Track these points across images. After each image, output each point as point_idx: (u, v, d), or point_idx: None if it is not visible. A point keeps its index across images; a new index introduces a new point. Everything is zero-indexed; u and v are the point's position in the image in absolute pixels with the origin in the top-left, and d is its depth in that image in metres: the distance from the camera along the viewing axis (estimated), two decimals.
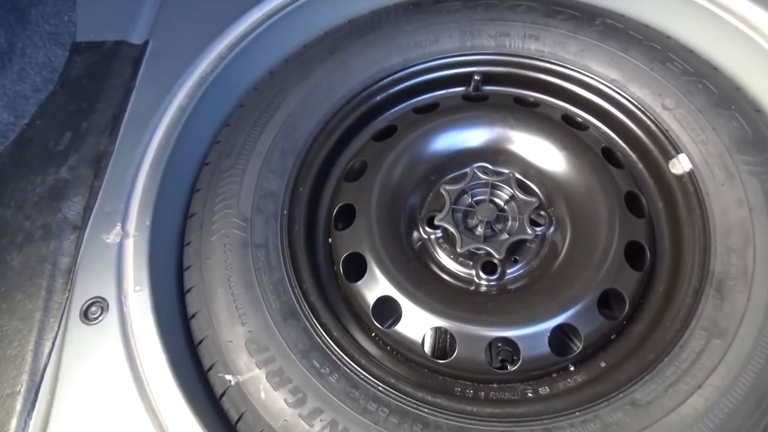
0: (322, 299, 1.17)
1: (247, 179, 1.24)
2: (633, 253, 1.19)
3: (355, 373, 1.07)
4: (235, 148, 1.28)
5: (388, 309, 1.18)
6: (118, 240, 1.15)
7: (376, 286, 1.17)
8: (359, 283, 1.19)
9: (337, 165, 1.38)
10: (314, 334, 1.10)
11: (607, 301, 1.17)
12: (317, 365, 1.06)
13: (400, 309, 1.14)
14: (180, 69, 1.36)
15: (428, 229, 1.30)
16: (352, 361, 1.08)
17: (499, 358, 1.20)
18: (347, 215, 1.27)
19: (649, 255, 1.20)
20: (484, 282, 1.24)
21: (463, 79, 1.45)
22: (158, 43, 1.41)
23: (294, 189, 1.27)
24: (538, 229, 1.28)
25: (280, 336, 1.09)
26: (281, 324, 1.10)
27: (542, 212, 1.30)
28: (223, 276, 1.14)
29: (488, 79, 1.44)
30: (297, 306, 1.13)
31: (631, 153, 1.35)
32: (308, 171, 1.31)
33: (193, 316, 1.14)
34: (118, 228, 1.16)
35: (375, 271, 1.18)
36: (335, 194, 1.32)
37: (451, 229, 1.24)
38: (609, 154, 1.30)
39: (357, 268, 1.21)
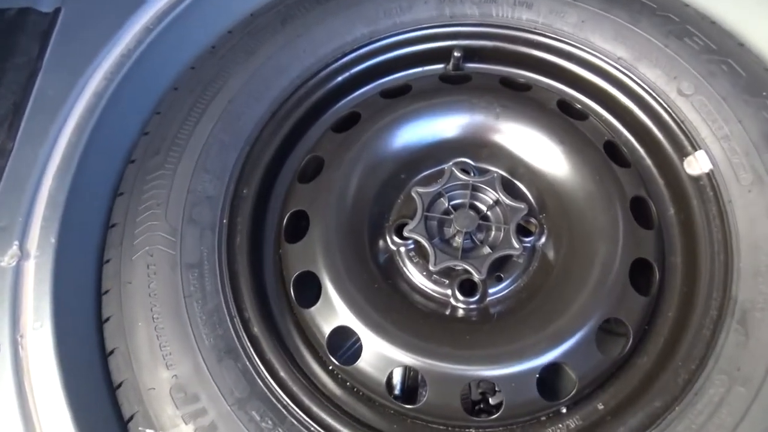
0: (268, 329, 0.98)
1: (178, 181, 1.03)
2: (639, 273, 1.00)
3: (305, 426, 0.89)
4: (165, 142, 1.06)
5: (347, 340, 1.00)
6: (15, 263, 0.94)
7: (331, 314, 0.98)
8: (312, 309, 0.99)
9: (289, 162, 1.16)
10: (255, 376, 0.91)
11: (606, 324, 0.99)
12: (257, 418, 0.88)
13: (361, 342, 0.95)
14: (98, 44, 1.12)
15: (397, 240, 1.09)
16: (300, 410, 0.90)
17: (479, 392, 1.03)
18: (301, 224, 1.06)
19: (657, 275, 1.01)
20: (461, 305, 1.05)
21: (441, 56, 1.22)
22: (72, 12, 1.16)
23: (236, 193, 1.05)
24: (526, 239, 1.08)
25: (212, 381, 0.90)
26: (215, 365, 0.91)
27: (532, 219, 1.10)
28: (145, 305, 0.94)
29: (471, 55, 1.21)
30: (235, 341, 0.94)
31: (639, 147, 1.14)
32: (254, 170, 1.09)
33: (111, 353, 0.95)
34: (15, 248, 0.95)
35: (330, 295, 0.98)
36: (287, 198, 1.11)
37: (424, 242, 1.03)
38: (613, 150, 1.09)
39: (313, 288, 1.01)
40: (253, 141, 1.09)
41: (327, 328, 0.98)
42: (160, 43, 1.16)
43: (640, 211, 1.04)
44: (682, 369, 0.91)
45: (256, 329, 0.97)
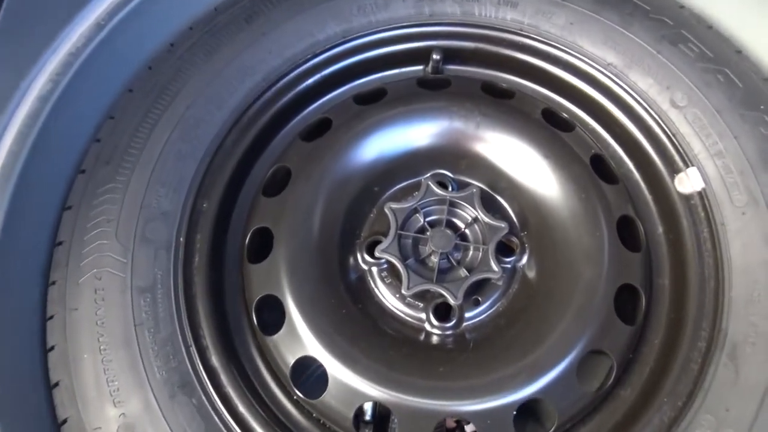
0: (228, 359, 0.91)
1: (131, 195, 0.94)
2: (624, 298, 0.94)
3: None
4: (117, 151, 0.98)
5: (313, 368, 0.93)
6: None
7: (295, 343, 0.91)
8: (276, 337, 0.93)
9: (253, 173, 1.07)
10: (211, 412, 0.85)
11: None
12: None
13: (326, 374, 0.89)
14: (43, 41, 1.02)
15: (368, 259, 1.02)
16: None
17: (454, 420, 0.97)
18: (265, 243, 0.98)
19: (644, 302, 0.95)
20: (436, 330, 0.98)
21: (419, 57, 1.13)
22: (14, 5, 1.05)
23: (194, 207, 0.97)
24: (506, 260, 1.01)
25: (164, 420, 0.83)
26: (167, 402, 0.84)
27: (513, 237, 1.03)
28: (91, 334, 0.87)
29: (451, 56, 1.12)
30: (191, 373, 0.87)
31: (627, 161, 1.07)
32: (214, 182, 1.01)
33: (55, 385, 0.87)
34: None
35: (294, 323, 0.91)
36: (250, 214, 1.03)
37: (396, 264, 0.96)
38: (600, 165, 1.02)
39: (278, 313, 0.94)
40: (213, 150, 1.01)
41: (291, 358, 0.91)
42: (113, 41, 1.06)
43: (627, 231, 0.98)
44: (668, 406, 0.86)
45: (214, 359, 0.90)
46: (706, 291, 0.92)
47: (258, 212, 1.01)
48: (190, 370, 0.87)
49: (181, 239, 0.95)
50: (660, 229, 1.02)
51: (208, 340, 0.91)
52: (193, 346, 0.89)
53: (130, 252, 0.91)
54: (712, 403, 0.83)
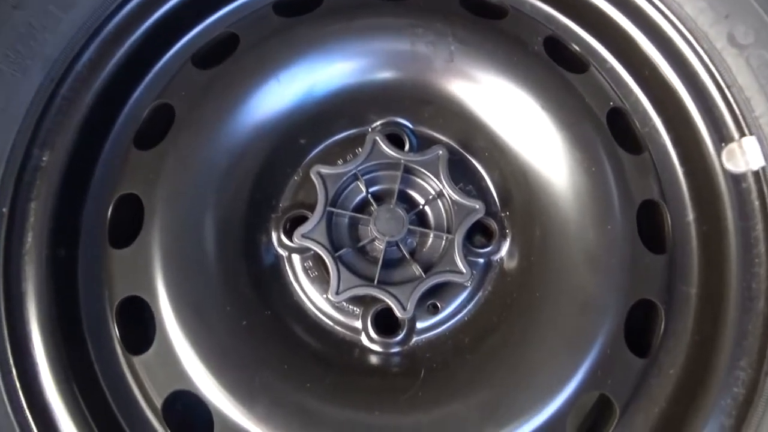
0: (73, 392, 0.63)
1: None
2: (637, 319, 0.67)
3: None
4: None
5: (195, 405, 0.66)
6: None
7: (169, 370, 0.63)
8: (143, 357, 0.65)
9: (126, 114, 0.74)
10: None
11: None
12: None
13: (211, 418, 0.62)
14: None
15: (287, 242, 0.73)
16: None
17: None
18: (134, 217, 0.68)
19: (664, 324, 0.69)
20: (376, 346, 0.71)
21: None
22: None
23: (26, 161, 0.66)
24: (479, 250, 0.73)
25: None
26: None
27: (490, 219, 0.74)
28: None
29: None
30: (9, 415, 0.59)
31: (656, 119, 0.76)
32: (61, 124, 0.68)
33: None
34: None
35: (168, 340, 0.63)
36: (118, 174, 0.71)
37: (323, 255, 0.68)
38: (620, 123, 0.72)
39: (148, 322, 0.66)
40: (59, 75, 0.68)
41: (162, 390, 0.64)
42: None
43: (649, 222, 0.70)
44: None
45: (47, 393, 0.62)
46: (751, 313, 0.66)
47: (127, 172, 0.70)
48: (9, 411, 0.59)
49: (3, 209, 0.64)
50: (690, 216, 0.74)
51: (44, 365, 0.62)
52: (15, 373, 0.60)
53: None
54: None
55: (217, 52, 0.73)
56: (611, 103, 0.73)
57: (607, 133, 0.70)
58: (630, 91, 0.78)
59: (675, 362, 0.70)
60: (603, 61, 0.78)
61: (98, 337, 0.68)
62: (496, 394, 0.64)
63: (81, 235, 0.70)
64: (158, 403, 0.64)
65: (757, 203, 0.68)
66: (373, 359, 0.71)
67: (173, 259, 0.65)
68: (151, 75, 0.75)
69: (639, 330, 0.68)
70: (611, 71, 0.78)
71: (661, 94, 0.75)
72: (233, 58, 0.72)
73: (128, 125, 0.73)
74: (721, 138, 0.70)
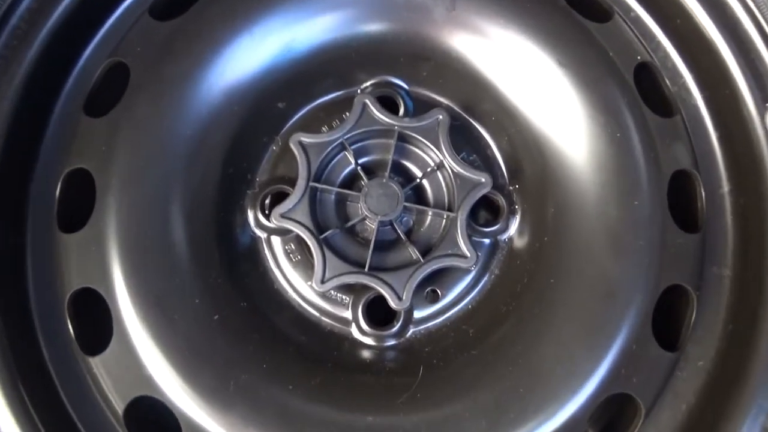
0: (18, 388, 0.55)
1: None
2: (665, 307, 0.59)
3: None
4: None
5: (161, 411, 0.58)
6: None
7: (129, 373, 0.55)
8: (101, 357, 0.56)
9: (78, 75, 0.64)
10: None
11: None
12: None
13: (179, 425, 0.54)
14: None
15: (265, 222, 0.64)
16: None
17: None
18: (87, 196, 0.59)
19: (695, 310, 0.61)
20: (368, 339, 0.63)
21: None
22: None
23: None
24: (485, 229, 0.65)
25: None
26: None
27: (496, 194, 0.65)
28: None
29: None
30: None
31: (685, 73, 0.67)
32: (0, 82, 0.58)
33: None
34: None
35: (128, 338, 0.55)
36: (67, 145, 0.61)
37: (306, 238, 0.59)
38: (648, 82, 0.63)
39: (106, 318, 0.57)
40: None
41: (124, 396, 0.56)
42: None
43: (680, 195, 0.61)
44: None
45: None
46: None
47: (76, 144, 0.60)
48: None
49: None
50: (725, 188, 0.65)
51: None
52: None
53: None
54: None
55: (180, 1, 0.62)
56: (638, 58, 0.63)
57: (634, 93, 0.60)
58: (659, 45, 0.67)
59: (705, 354, 0.62)
60: (628, 8, 0.67)
61: (52, 335, 0.59)
62: (505, 395, 0.56)
63: (28, 219, 0.61)
64: (120, 409, 0.56)
65: None
66: (366, 354, 0.63)
67: (130, 244, 0.56)
68: (103, 29, 0.64)
69: (668, 320, 0.60)
70: (637, 20, 0.67)
71: (694, 47, 0.65)
72: (198, 8, 0.62)
73: (78, 89, 0.63)
74: (764, 96, 0.61)
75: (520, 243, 0.65)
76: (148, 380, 0.55)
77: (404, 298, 0.58)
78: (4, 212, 0.59)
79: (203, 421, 0.54)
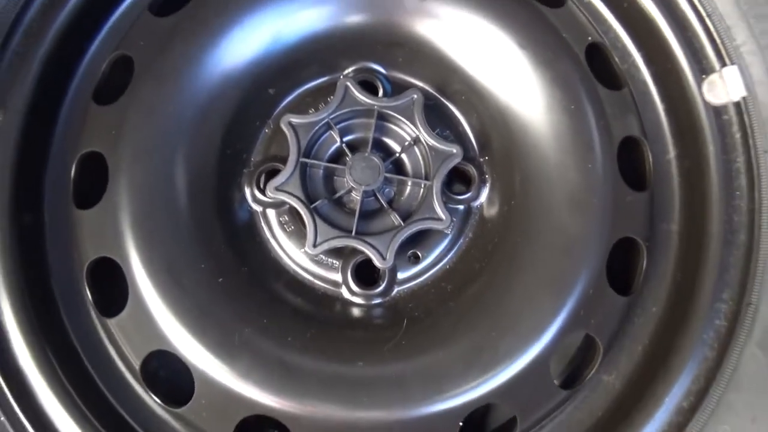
0: (54, 355, 0.61)
1: None
2: (619, 258, 0.67)
3: None
4: None
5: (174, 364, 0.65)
6: None
7: (144, 331, 0.62)
8: (117, 320, 0.63)
9: (86, 67, 0.70)
10: None
11: None
12: None
13: (191, 377, 0.61)
14: None
15: (261, 196, 0.71)
16: None
17: None
18: (99, 177, 0.65)
19: (645, 262, 0.68)
20: (358, 299, 0.70)
21: None
22: None
23: None
24: (458, 197, 0.72)
25: None
26: None
27: (469, 165, 0.72)
28: None
29: None
30: None
31: (634, 52, 0.74)
32: (15, 78, 0.65)
33: None
34: None
35: (142, 300, 0.62)
36: (80, 131, 0.68)
37: (298, 208, 0.66)
38: (599, 60, 0.70)
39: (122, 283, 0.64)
40: (9, 27, 0.64)
41: (139, 352, 0.62)
42: None
43: (630, 159, 0.69)
44: (668, 405, 0.63)
45: (21, 362, 0.60)
46: (732, 246, 0.65)
47: (88, 129, 0.67)
48: None
49: None
50: (671, 153, 0.73)
51: (14, 332, 0.61)
52: None
53: None
54: (733, 409, 0.60)
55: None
56: (589, 39, 0.70)
57: (586, 69, 0.68)
58: (609, 27, 0.75)
59: (657, 300, 0.70)
60: None
61: (71, 301, 0.66)
62: (480, 339, 0.64)
63: (45, 199, 0.67)
64: (136, 364, 0.63)
65: (738, 135, 0.67)
66: (355, 312, 0.70)
67: (142, 216, 0.63)
68: (107, 26, 0.71)
69: (621, 269, 0.68)
70: (589, 5, 0.74)
71: (640, 28, 0.72)
72: (193, 4, 0.68)
73: (87, 80, 0.69)
74: (702, 69, 0.69)
75: (490, 208, 0.72)
76: (161, 336, 0.61)
77: (388, 257, 0.65)
78: (24, 195, 0.66)
79: (212, 370, 0.61)
